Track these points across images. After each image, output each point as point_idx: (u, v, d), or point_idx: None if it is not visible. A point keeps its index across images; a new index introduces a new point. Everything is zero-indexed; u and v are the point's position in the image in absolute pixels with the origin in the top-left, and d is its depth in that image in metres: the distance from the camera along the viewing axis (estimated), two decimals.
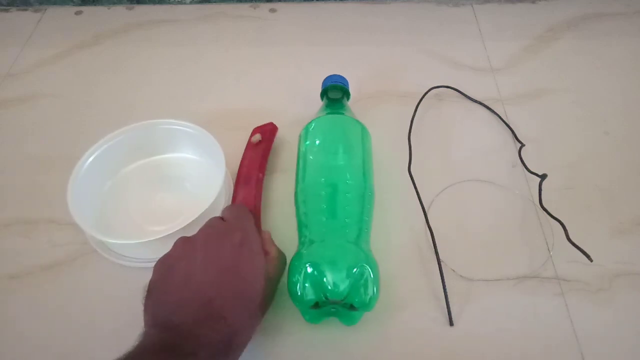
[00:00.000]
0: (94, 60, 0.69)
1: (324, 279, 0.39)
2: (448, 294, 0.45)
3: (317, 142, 0.50)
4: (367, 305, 0.40)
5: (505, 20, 0.73)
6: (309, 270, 0.40)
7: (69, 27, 0.74)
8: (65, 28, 0.74)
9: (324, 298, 0.39)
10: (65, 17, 0.76)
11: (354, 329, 0.44)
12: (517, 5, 0.75)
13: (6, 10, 0.77)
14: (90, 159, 0.50)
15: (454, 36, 0.71)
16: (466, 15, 0.74)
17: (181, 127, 0.53)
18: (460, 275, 0.47)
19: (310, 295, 0.39)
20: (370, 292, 0.39)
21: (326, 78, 0.57)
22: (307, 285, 0.39)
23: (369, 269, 0.40)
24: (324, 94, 0.57)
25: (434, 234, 0.48)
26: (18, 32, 0.73)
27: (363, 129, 0.52)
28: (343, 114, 0.53)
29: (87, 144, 0.51)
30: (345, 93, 0.56)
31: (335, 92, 0.56)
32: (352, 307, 0.40)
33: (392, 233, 0.50)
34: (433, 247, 0.48)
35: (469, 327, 0.44)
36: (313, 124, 0.52)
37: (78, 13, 0.76)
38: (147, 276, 0.39)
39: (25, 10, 0.77)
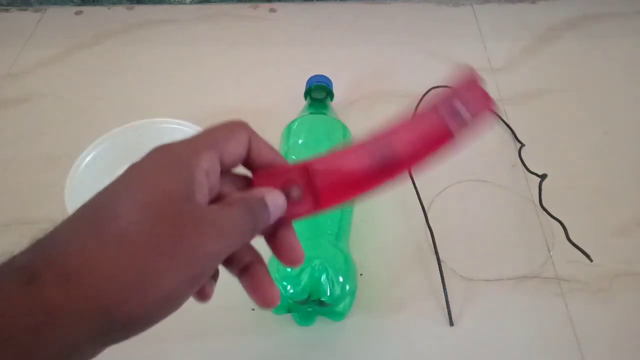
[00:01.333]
0: (94, 60, 0.69)
1: (286, 285, 0.39)
2: (448, 294, 0.45)
3: (300, 141, 0.50)
4: (337, 299, 0.40)
5: (505, 20, 0.73)
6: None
7: (69, 27, 0.74)
8: (65, 28, 0.74)
9: (290, 302, 0.40)
10: (65, 17, 0.76)
11: (353, 330, 0.44)
12: (517, 5, 0.75)
13: (6, 10, 0.77)
14: (88, 158, 0.51)
15: (454, 36, 0.71)
16: (466, 15, 0.74)
17: (178, 126, 0.53)
18: (460, 275, 0.47)
19: (280, 304, 0.40)
20: (337, 286, 0.39)
21: (310, 78, 0.58)
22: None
23: (325, 263, 0.39)
24: (307, 93, 0.57)
25: (434, 234, 0.48)
26: (18, 32, 0.73)
27: (345, 129, 0.52)
28: (325, 114, 0.54)
29: (87, 144, 0.51)
30: (329, 93, 0.57)
31: (318, 92, 0.56)
32: (322, 303, 0.40)
33: (392, 233, 0.50)
34: (433, 247, 0.48)
35: (469, 327, 0.44)
36: (295, 123, 0.52)
37: (78, 13, 0.76)
38: None
39: (25, 10, 0.77)
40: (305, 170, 0.27)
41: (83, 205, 0.23)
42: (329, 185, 0.27)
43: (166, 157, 0.24)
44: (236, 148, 0.26)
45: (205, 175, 0.24)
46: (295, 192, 0.27)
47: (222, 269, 0.28)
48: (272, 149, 0.28)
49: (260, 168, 0.27)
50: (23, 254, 0.21)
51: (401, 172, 0.28)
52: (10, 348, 0.18)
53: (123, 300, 0.20)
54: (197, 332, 0.45)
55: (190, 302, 0.47)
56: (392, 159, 0.27)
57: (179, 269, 0.22)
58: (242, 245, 0.25)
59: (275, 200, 0.26)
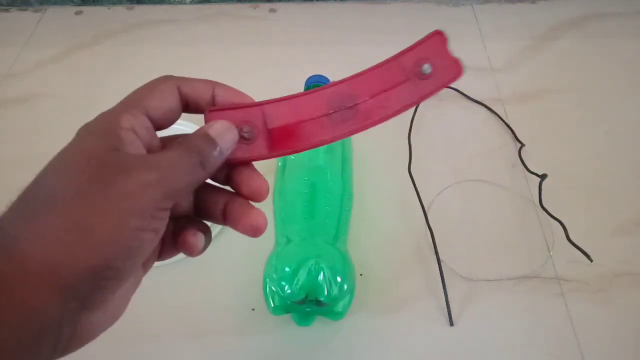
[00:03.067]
0: (94, 60, 0.69)
1: (283, 285, 0.40)
2: (448, 294, 0.45)
3: None
4: (335, 299, 0.40)
5: (505, 20, 0.73)
6: (269, 287, 0.41)
7: (69, 27, 0.74)
8: (65, 28, 0.74)
9: (288, 302, 0.40)
10: (65, 17, 0.76)
11: (353, 330, 0.44)
12: (517, 5, 0.75)
13: (6, 10, 0.77)
14: None
15: (454, 36, 0.70)
16: (466, 15, 0.74)
17: (178, 126, 0.53)
18: (460, 275, 0.47)
19: (277, 303, 0.41)
20: (334, 285, 0.39)
21: (308, 78, 0.57)
22: (273, 297, 0.41)
23: (322, 262, 0.39)
24: None
25: (434, 234, 0.48)
26: (18, 32, 0.73)
27: None
28: None
29: None
30: None
31: None
32: (320, 303, 0.40)
33: (392, 233, 0.50)
34: (433, 247, 0.48)
35: (469, 327, 0.44)
36: None
37: (78, 13, 0.76)
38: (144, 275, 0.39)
39: (25, 10, 0.77)
40: (260, 111, 0.27)
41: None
42: (283, 129, 0.27)
43: (87, 129, 0.24)
44: (162, 102, 0.26)
45: (133, 133, 0.24)
46: (247, 132, 0.26)
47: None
48: (207, 83, 0.27)
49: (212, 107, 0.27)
50: None
51: (359, 127, 0.27)
52: None
53: (71, 257, 0.20)
54: (197, 332, 0.45)
55: (190, 302, 0.47)
56: (352, 111, 0.27)
57: (116, 209, 0.21)
58: (200, 186, 0.25)
59: (220, 131, 0.25)
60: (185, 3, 0.77)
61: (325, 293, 0.39)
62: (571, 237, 0.47)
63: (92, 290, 0.21)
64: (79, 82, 0.66)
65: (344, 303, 0.42)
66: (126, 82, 0.66)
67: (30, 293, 0.19)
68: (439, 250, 0.47)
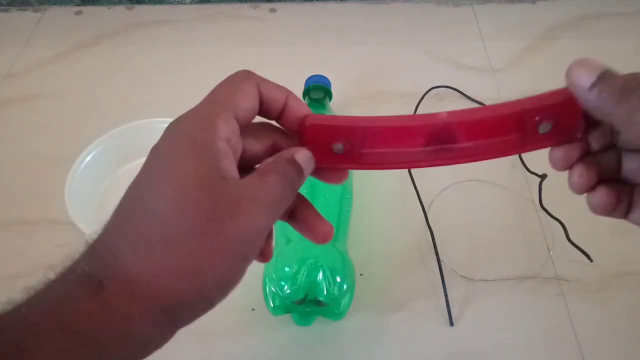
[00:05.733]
0: (94, 60, 0.69)
1: (283, 285, 0.40)
2: (448, 294, 0.45)
3: None
4: (334, 299, 0.40)
5: (505, 20, 0.73)
6: (268, 287, 0.41)
7: (69, 27, 0.74)
8: (65, 28, 0.74)
9: (288, 302, 0.40)
10: (65, 17, 0.76)
11: (353, 330, 0.44)
12: (517, 5, 0.75)
13: (6, 10, 0.77)
14: (88, 158, 0.51)
15: (454, 36, 0.71)
16: (466, 15, 0.74)
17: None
18: (460, 275, 0.47)
19: (277, 303, 0.41)
20: (334, 285, 0.39)
21: (308, 78, 0.57)
22: (273, 297, 0.41)
23: (322, 262, 0.39)
24: (305, 93, 0.57)
25: (434, 234, 0.48)
26: (18, 32, 0.73)
27: None
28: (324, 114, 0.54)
29: (87, 144, 0.51)
30: (327, 93, 0.57)
31: (316, 92, 0.56)
32: (320, 303, 0.40)
33: (392, 233, 0.50)
34: (433, 247, 0.48)
35: (469, 327, 0.44)
36: None
37: (78, 13, 0.76)
38: None
39: (25, 10, 0.77)
40: (359, 132, 0.27)
41: (120, 204, 0.23)
42: (377, 151, 0.27)
43: (184, 137, 0.24)
44: (248, 101, 0.25)
45: (227, 143, 0.24)
46: (338, 148, 0.27)
47: None
48: (282, 90, 0.27)
49: (290, 117, 0.27)
50: (83, 261, 0.22)
51: (455, 162, 0.27)
52: (90, 347, 0.20)
53: (180, 293, 0.22)
54: (197, 332, 0.45)
55: None
56: (449, 149, 0.26)
57: (227, 251, 0.22)
58: None
59: (306, 160, 0.26)
60: (185, 3, 0.77)
61: (325, 293, 0.39)
62: (571, 237, 0.47)
63: (188, 318, 0.23)
64: (79, 82, 0.66)
65: (343, 303, 0.42)
66: (126, 82, 0.67)
67: (133, 318, 0.21)
68: (439, 250, 0.47)
